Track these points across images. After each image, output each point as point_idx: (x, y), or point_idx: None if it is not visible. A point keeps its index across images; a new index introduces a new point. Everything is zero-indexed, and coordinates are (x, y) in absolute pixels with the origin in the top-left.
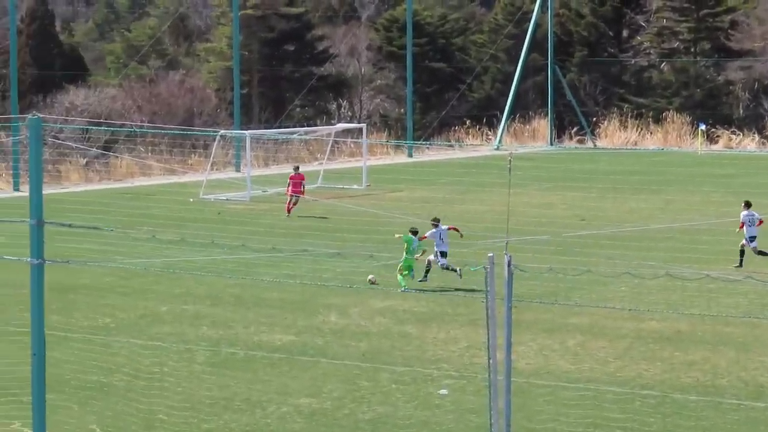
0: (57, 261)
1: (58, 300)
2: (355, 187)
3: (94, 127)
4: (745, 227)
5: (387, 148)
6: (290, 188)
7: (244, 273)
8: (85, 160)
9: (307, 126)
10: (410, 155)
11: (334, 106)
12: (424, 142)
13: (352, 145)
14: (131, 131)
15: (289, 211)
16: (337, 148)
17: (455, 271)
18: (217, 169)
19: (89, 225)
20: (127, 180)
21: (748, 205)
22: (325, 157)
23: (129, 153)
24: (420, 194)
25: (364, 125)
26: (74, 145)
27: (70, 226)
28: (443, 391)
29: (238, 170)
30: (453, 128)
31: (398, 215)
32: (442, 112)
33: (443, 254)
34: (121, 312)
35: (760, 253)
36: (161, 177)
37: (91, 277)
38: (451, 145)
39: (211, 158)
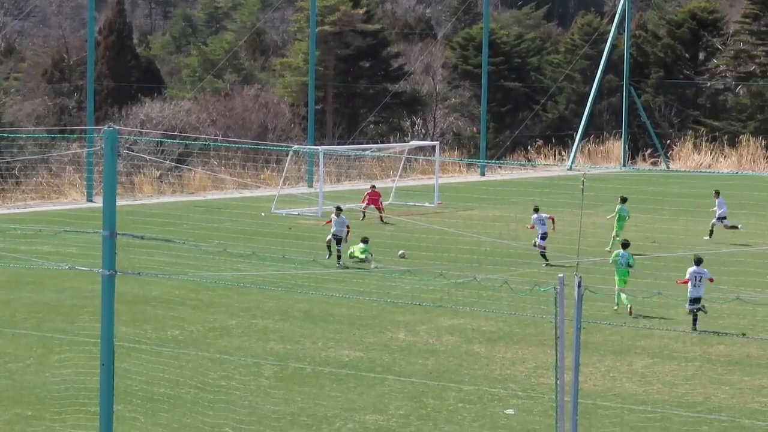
0: (128, 273)
1: (128, 311)
2: (426, 204)
3: (168, 140)
4: (536, 227)
5: (459, 166)
6: (367, 200)
7: (314, 288)
8: (159, 172)
9: (381, 143)
10: (482, 174)
11: (408, 123)
12: (497, 161)
13: (424, 163)
14: (205, 144)
15: (364, 216)
16: (410, 165)
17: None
18: (289, 184)
19: (161, 237)
20: (199, 193)
21: (536, 210)
22: (398, 174)
23: (202, 166)
24: (491, 213)
25: (437, 143)
26: (148, 157)
27: (141, 237)
28: (510, 411)
29: (310, 185)
30: (526, 148)
31: (469, 233)
32: (516, 131)
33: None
34: (190, 325)
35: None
36: (234, 191)
37: (161, 289)
38: (523, 165)
39: (284, 173)
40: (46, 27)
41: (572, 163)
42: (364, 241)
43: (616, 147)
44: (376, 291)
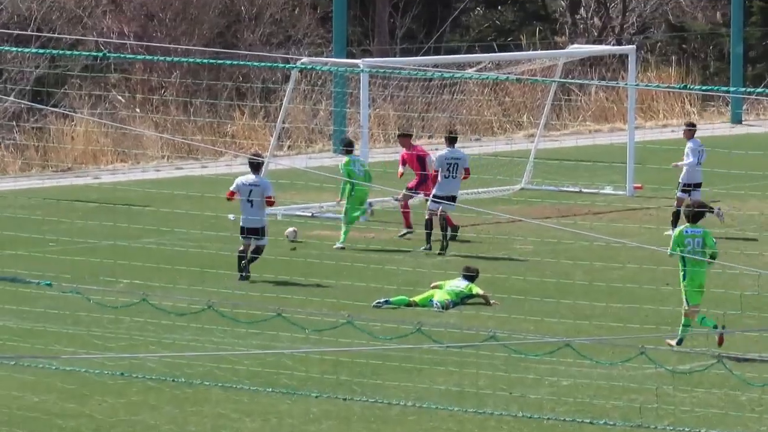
0: None
1: None
2: (608, 191)
3: (10, 48)
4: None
5: (682, 100)
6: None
7: (372, 388)
8: None
9: (502, 49)
10: (737, 120)
11: (565, 3)
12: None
13: (603, 94)
14: (99, 56)
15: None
16: (567, 101)
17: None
18: (290, 147)
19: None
20: (85, 168)
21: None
22: (542, 123)
23: (91, 108)
24: (755, 206)
25: (631, 48)
26: None
27: None
28: None
29: (339, 149)
30: None
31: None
32: None
33: None
34: None
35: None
36: (163, 162)
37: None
38: None
39: (280, 121)
40: None
41: None
42: (469, 274)
43: None
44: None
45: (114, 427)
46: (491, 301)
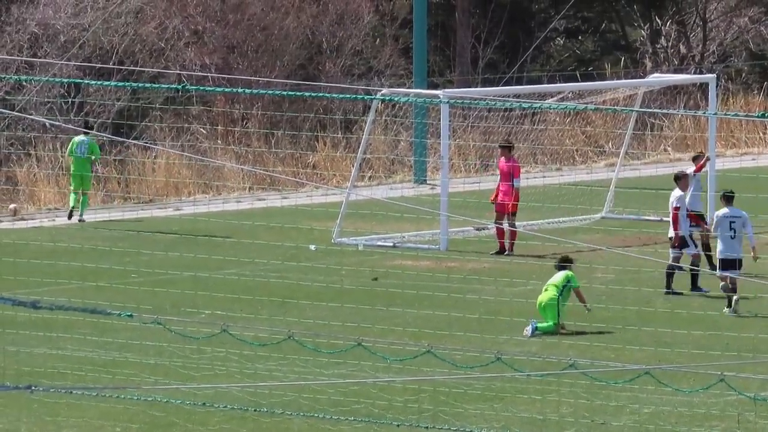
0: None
1: None
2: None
3: (94, 82)
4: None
5: None
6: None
7: None
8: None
9: (582, 79)
10: None
11: (645, 31)
12: None
13: (688, 123)
14: (180, 88)
15: (508, 247)
16: (649, 130)
17: None
18: (371, 177)
19: (78, 306)
20: (167, 200)
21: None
22: (623, 150)
23: (173, 140)
24: None
25: (711, 77)
26: (47, 120)
27: (33, 305)
28: None
29: (420, 179)
30: None
31: None
32: None
33: None
34: None
35: None
36: (244, 194)
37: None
38: None
39: (361, 151)
40: None
41: None
42: (563, 264)
43: None
44: None
45: None
46: (588, 306)
